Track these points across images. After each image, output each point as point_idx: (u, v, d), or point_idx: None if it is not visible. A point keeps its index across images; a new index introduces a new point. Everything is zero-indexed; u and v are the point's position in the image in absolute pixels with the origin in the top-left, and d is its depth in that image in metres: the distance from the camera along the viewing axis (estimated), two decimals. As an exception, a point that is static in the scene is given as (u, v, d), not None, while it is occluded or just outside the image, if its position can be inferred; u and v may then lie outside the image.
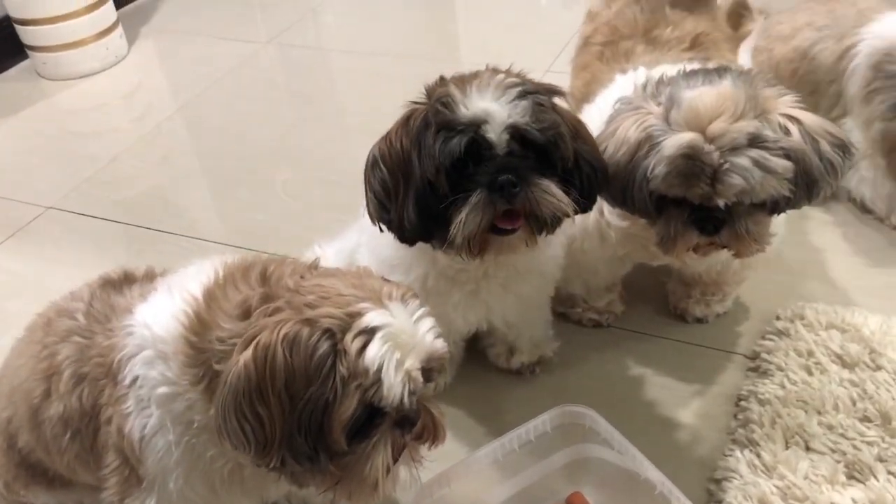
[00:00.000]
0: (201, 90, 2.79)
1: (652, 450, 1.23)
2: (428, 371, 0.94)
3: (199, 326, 0.94)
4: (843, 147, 1.24)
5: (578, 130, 1.22)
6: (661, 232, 1.27)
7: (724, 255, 1.35)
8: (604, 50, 1.65)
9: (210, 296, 0.96)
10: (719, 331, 1.65)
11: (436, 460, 1.09)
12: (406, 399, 0.89)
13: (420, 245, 1.25)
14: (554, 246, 1.39)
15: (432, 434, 0.99)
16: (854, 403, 1.40)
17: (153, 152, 2.50)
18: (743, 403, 1.45)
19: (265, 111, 2.66)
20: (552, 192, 1.14)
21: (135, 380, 0.99)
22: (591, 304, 1.68)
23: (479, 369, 1.61)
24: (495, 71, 1.18)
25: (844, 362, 1.48)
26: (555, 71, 2.50)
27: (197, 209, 2.23)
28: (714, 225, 1.22)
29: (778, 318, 1.61)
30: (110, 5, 2.98)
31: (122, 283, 1.16)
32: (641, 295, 1.73)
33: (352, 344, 0.86)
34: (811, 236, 1.88)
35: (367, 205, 1.24)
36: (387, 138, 1.20)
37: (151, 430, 0.98)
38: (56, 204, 2.26)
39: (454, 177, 1.14)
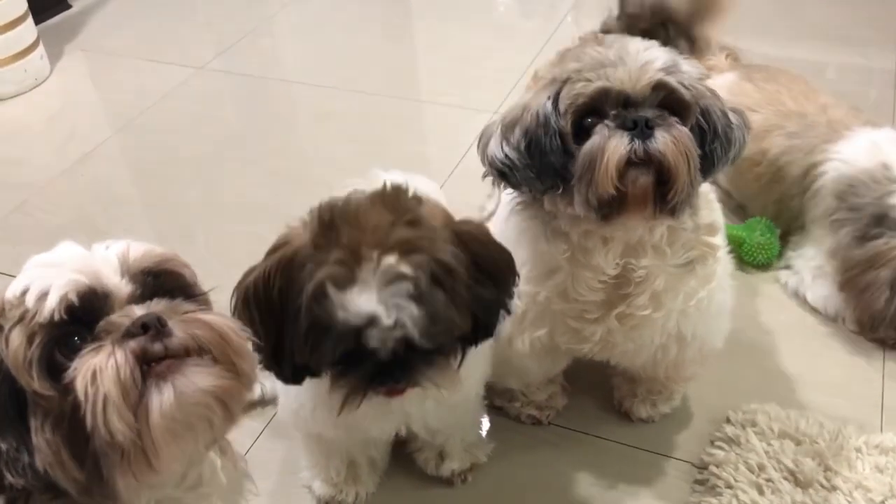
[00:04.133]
0: (129, 120, 2.59)
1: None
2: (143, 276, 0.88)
3: None
4: (745, 119, 1.21)
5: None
6: (586, 153, 1.10)
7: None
8: None
9: None
10: (666, 433, 1.53)
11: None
12: (61, 312, 0.80)
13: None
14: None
15: (211, 342, 0.85)
16: (807, 533, 1.30)
17: (74, 186, 2.31)
18: (688, 527, 1.35)
19: (193, 153, 2.44)
20: (439, 380, 1.06)
21: None
22: (530, 397, 1.55)
23: (406, 475, 1.47)
24: (384, 250, 0.93)
25: (798, 480, 1.37)
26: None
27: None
28: (642, 130, 1.10)
29: (728, 420, 1.50)
30: (29, 23, 2.75)
31: None
32: (585, 388, 1.61)
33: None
34: (763, 316, 1.78)
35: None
36: (255, 279, 1.05)
37: None
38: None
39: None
